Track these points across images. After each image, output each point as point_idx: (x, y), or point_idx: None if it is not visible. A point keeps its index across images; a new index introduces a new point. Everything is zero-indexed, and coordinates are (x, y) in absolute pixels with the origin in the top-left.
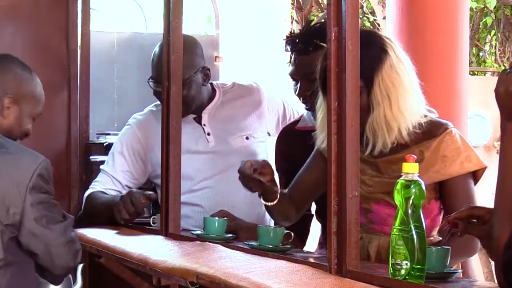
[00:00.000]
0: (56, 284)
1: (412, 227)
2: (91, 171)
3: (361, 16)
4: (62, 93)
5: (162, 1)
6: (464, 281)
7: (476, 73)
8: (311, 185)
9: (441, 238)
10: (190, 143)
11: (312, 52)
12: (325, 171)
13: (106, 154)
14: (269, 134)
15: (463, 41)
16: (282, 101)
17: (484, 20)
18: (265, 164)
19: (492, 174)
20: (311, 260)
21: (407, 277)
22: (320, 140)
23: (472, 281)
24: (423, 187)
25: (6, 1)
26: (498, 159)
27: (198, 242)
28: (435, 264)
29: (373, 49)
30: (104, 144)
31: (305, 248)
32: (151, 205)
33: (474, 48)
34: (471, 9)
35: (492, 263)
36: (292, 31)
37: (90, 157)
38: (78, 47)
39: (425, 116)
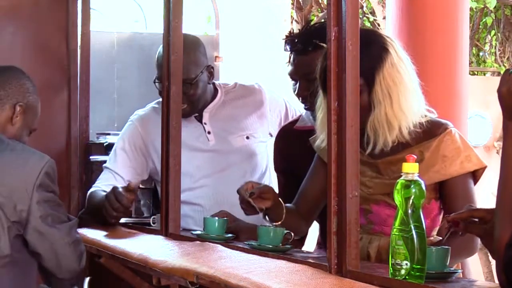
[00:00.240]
0: None
1: (412, 227)
2: (91, 171)
3: (361, 16)
4: (62, 93)
5: (162, 1)
6: (464, 281)
7: (476, 73)
8: (316, 195)
9: (441, 238)
10: (190, 141)
11: (311, 52)
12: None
13: (106, 154)
14: (271, 135)
15: (463, 41)
16: (284, 102)
17: (484, 20)
18: (267, 189)
19: (492, 174)
20: (311, 260)
21: (407, 277)
22: (320, 139)
23: (472, 281)
24: (423, 187)
25: (6, 1)
26: (500, 160)
27: (198, 242)
28: (435, 264)
29: (374, 47)
30: (104, 144)
31: (304, 248)
32: (151, 205)
33: (474, 48)
34: (471, 9)
35: (492, 263)
36: (292, 31)
37: (90, 157)
38: (78, 47)
39: (425, 116)
